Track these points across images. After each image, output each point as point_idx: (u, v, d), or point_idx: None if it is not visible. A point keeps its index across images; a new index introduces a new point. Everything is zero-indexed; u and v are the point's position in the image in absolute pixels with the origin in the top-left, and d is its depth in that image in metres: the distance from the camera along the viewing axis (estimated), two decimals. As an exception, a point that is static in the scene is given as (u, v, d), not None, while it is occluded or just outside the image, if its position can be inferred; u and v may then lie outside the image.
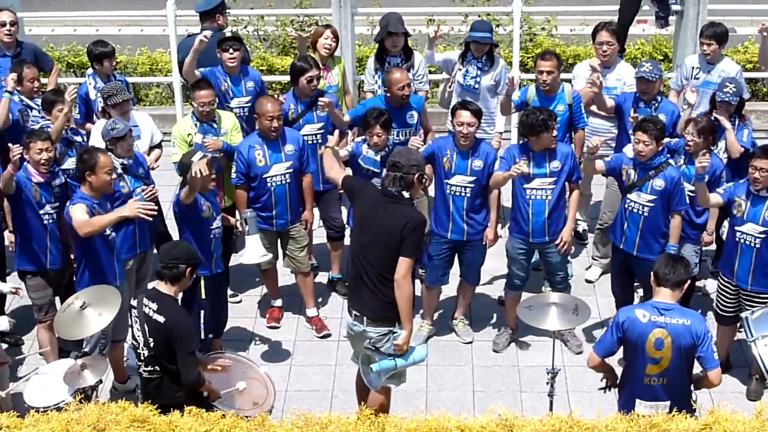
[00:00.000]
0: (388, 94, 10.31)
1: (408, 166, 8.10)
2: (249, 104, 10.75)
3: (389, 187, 8.11)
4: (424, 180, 8.30)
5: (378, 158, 9.75)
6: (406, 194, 8.11)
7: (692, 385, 7.69)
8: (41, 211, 9.25)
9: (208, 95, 10.02)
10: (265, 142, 9.82)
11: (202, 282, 9.04)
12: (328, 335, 10.27)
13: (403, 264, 7.96)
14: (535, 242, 9.66)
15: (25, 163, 9.24)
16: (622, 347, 7.63)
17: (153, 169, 10.16)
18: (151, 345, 7.62)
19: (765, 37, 11.01)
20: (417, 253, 8.13)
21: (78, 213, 8.52)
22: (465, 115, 9.46)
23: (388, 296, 8.05)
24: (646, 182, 9.24)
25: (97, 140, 9.92)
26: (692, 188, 9.45)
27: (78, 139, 10.17)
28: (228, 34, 10.82)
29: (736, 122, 9.98)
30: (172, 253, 7.80)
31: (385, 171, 8.37)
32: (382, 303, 8.09)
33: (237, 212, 9.94)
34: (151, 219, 8.82)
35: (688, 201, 9.40)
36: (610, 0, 13.36)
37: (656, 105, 10.29)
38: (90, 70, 11.26)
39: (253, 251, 9.38)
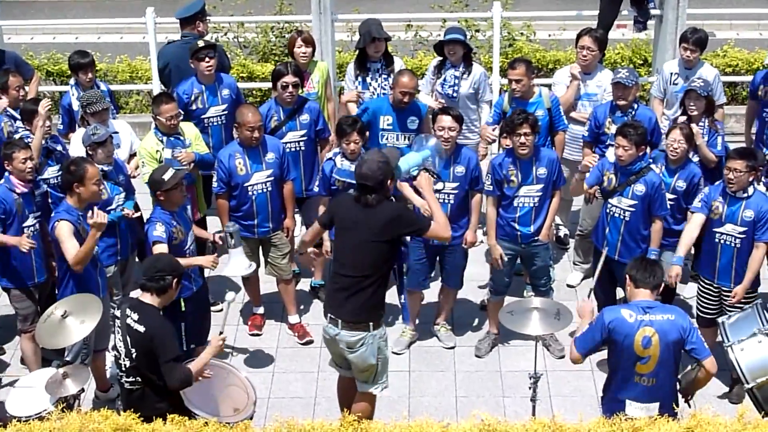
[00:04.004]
0: (391, 95, 10.38)
1: (375, 178, 8.12)
2: (225, 112, 10.77)
3: (365, 199, 8.17)
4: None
5: (353, 168, 9.70)
6: (375, 197, 8.17)
7: (682, 396, 7.72)
8: (24, 224, 9.20)
9: (173, 108, 9.98)
10: (245, 150, 9.80)
11: (182, 301, 9.00)
12: (311, 342, 10.26)
13: (434, 228, 8.29)
14: (524, 243, 9.66)
15: (7, 174, 9.21)
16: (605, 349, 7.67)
17: (134, 177, 10.15)
18: (133, 355, 7.57)
19: None
20: (424, 219, 8.48)
21: (66, 238, 8.53)
22: (446, 120, 9.46)
23: (368, 299, 8.13)
24: (627, 187, 9.27)
25: (77, 148, 9.90)
26: (671, 196, 9.49)
27: (58, 148, 10.14)
28: (201, 43, 10.76)
29: (706, 126, 10.01)
30: (157, 266, 7.71)
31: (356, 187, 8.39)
32: (362, 306, 8.15)
33: (219, 225, 9.93)
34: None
35: (668, 208, 9.44)
36: (590, 5, 13.40)
37: (633, 113, 10.26)
38: (72, 80, 11.24)
39: (237, 264, 9.32)
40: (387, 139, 10.36)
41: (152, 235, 8.76)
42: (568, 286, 11.02)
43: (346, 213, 8.27)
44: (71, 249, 8.51)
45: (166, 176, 8.83)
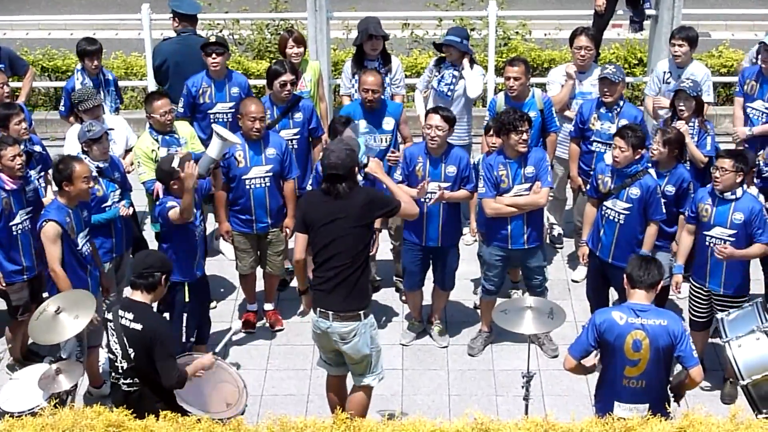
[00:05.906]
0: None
1: (345, 166, 8.19)
2: (232, 110, 10.75)
3: (335, 189, 8.21)
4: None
5: None
6: (346, 185, 8.22)
7: (672, 396, 7.72)
8: (11, 223, 9.15)
9: (165, 104, 10.00)
10: (246, 143, 9.79)
11: (186, 287, 9.00)
12: (281, 330, 10.36)
13: (403, 207, 8.38)
14: (514, 248, 9.64)
15: None
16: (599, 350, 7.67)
17: (129, 172, 10.14)
18: (132, 356, 7.53)
19: None
20: (393, 199, 8.40)
21: (50, 243, 8.58)
22: (435, 119, 9.45)
23: (355, 286, 8.19)
24: (622, 190, 9.22)
25: (72, 144, 9.89)
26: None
27: (37, 149, 10.05)
28: (213, 38, 10.78)
29: (695, 126, 10.00)
30: (146, 262, 7.74)
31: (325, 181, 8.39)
32: (351, 294, 8.20)
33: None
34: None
35: (664, 212, 9.39)
36: (585, 4, 13.40)
37: (618, 110, 10.31)
38: (79, 65, 11.25)
39: (216, 142, 9.10)
40: (364, 142, 10.32)
41: (167, 206, 8.86)
42: (573, 281, 11.04)
43: (319, 209, 8.27)
44: (54, 254, 8.60)
45: (175, 163, 8.83)
